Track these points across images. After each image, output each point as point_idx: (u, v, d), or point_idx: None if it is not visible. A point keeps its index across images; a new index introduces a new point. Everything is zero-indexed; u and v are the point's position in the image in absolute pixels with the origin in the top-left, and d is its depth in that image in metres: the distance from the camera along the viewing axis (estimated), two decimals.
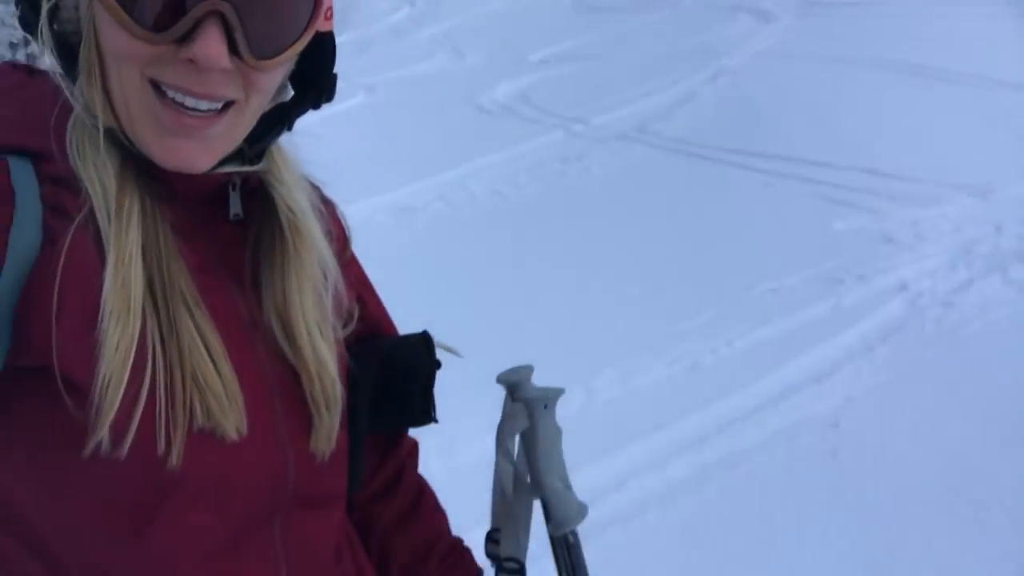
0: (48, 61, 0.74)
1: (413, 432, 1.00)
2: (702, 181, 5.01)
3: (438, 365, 0.93)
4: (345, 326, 0.85)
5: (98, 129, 0.70)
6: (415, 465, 1.01)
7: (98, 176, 0.70)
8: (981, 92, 5.69)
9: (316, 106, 0.80)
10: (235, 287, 0.78)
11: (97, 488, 0.67)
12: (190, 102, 0.68)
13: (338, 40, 0.81)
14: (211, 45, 0.65)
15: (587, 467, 2.39)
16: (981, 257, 3.76)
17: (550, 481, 0.87)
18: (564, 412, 0.90)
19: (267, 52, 0.68)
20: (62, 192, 0.70)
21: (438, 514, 1.00)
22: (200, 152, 0.71)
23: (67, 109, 0.72)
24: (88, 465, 0.65)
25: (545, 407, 0.88)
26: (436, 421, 0.92)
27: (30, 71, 0.77)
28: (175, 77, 0.67)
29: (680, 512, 2.42)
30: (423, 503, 0.99)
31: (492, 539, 0.95)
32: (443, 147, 5.75)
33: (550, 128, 6.02)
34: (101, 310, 0.66)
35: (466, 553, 0.97)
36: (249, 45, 0.67)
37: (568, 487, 0.89)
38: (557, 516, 0.87)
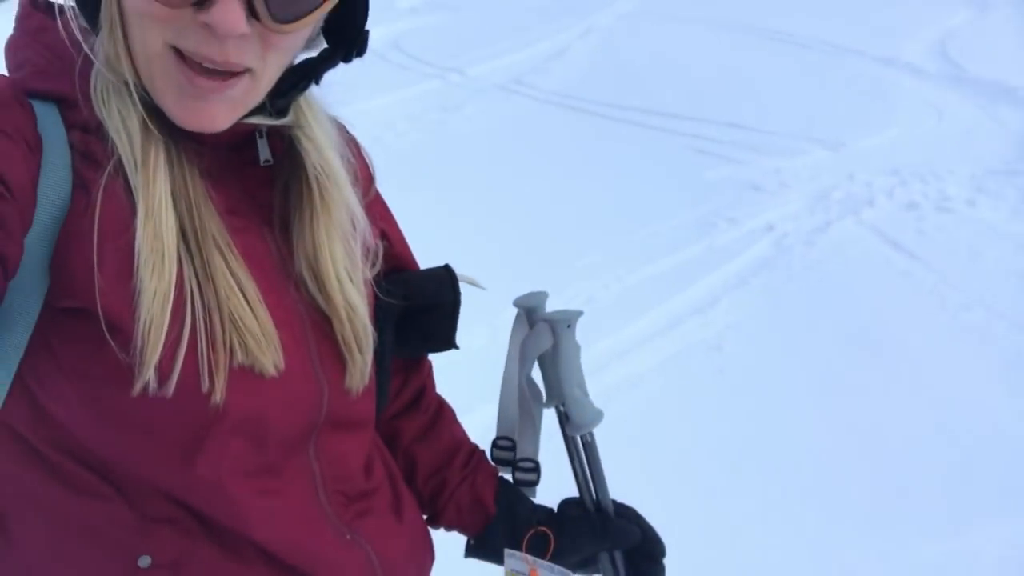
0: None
1: None
2: (581, 133, 5.14)
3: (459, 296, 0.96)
4: (372, 266, 0.87)
5: (121, 82, 0.70)
6: (433, 384, 1.06)
7: (124, 126, 0.70)
8: (827, 56, 6.13)
9: (347, 60, 0.79)
10: (264, 228, 0.79)
11: (146, 423, 0.70)
12: (208, 64, 0.67)
13: None
14: (228, 11, 0.63)
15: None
16: (836, 202, 4.10)
17: (571, 390, 0.95)
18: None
19: (287, 16, 0.67)
20: (90, 139, 0.70)
21: (456, 426, 1.06)
22: (218, 113, 0.71)
23: (90, 58, 0.71)
24: (136, 402, 0.67)
25: (568, 326, 0.94)
26: (458, 347, 0.98)
27: (49, 6, 0.75)
28: (194, 43, 0.66)
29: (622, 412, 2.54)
30: (443, 417, 1.05)
31: (498, 446, 1.01)
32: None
33: (426, 77, 5.97)
34: (136, 258, 0.67)
35: (484, 457, 1.04)
36: (269, 9, 0.65)
37: (586, 395, 0.97)
38: (578, 419, 0.96)
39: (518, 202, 4.16)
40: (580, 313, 0.98)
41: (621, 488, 1.03)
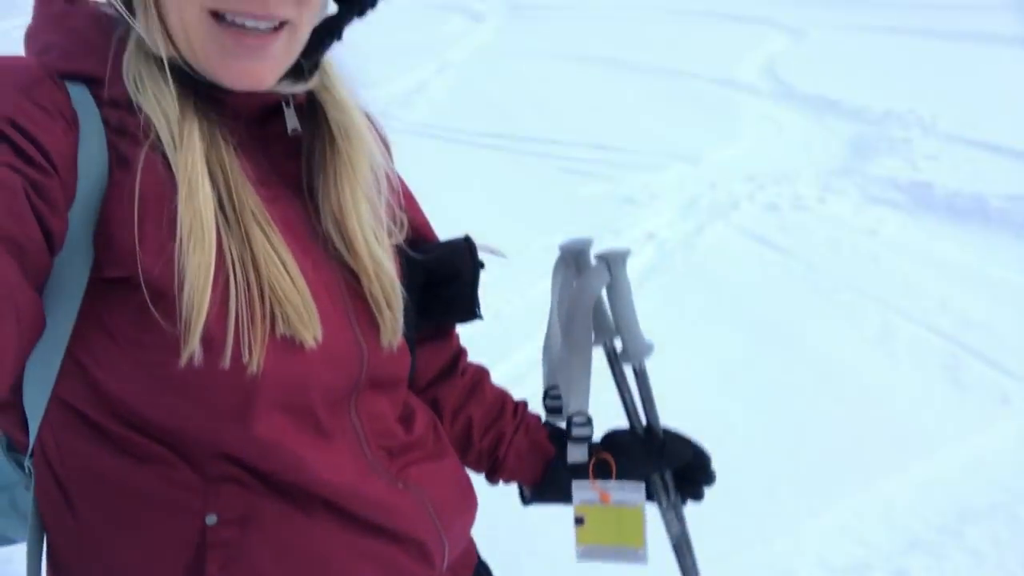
0: None
1: None
2: (454, 160, 5.25)
3: (482, 266, 0.99)
4: (400, 230, 0.90)
5: (161, 60, 0.72)
6: (465, 351, 1.09)
7: (159, 104, 0.72)
8: (670, 81, 6.60)
9: (361, 14, 0.84)
10: (294, 196, 0.82)
11: (197, 389, 0.71)
12: (250, 23, 0.71)
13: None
14: None
15: None
16: (705, 209, 4.41)
17: (632, 323, 1.01)
18: None
19: None
20: (123, 115, 0.72)
21: (498, 387, 1.09)
22: (264, 69, 0.75)
23: (119, 39, 0.74)
24: (186, 371, 0.69)
25: (623, 262, 1.01)
26: (481, 318, 1.00)
27: None
28: (234, 1, 0.70)
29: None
30: (483, 377, 1.08)
31: (550, 396, 1.05)
32: None
33: None
34: (178, 232, 0.69)
35: (527, 406, 1.08)
36: None
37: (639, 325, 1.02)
38: (637, 348, 1.01)
39: None
40: (629, 250, 1.04)
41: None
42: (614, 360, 1.06)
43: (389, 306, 0.83)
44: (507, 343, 3.08)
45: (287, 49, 0.75)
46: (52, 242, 0.65)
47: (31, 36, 0.78)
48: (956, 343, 3.05)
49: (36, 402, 0.73)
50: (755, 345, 3.17)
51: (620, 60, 7.06)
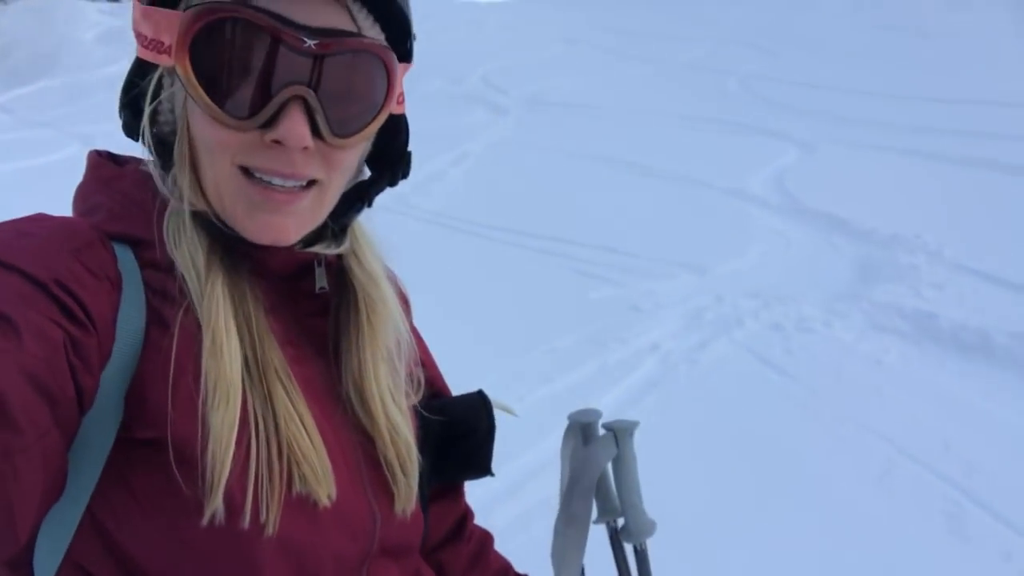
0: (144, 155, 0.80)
1: None
2: (466, 253, 5.31)
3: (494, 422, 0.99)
4: (416, 392, 0.91)
5: (194, 215, 0.76)
6: (472, 513, 1.08)
7: (192, 262, 0.75)
8: (682, 188, 6.71)
9: (393, 183, 0.88)
10: (319, 356, 0.84)
11: (213, 552, 0.71)
12: (277, 180, 0.74)
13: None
14: (295, 125, 0.71)
15: None
16: (709, 322, 4.43)
17: (633, 498, 1.01)
18: None
19: (345, 132, 0.75)
20: (163, 277, 0.75)
21: (498, 553, 1.09)
22: (289, 226, 0.77)
23: (164, 200, 0.78)
24: (205, 533, 0.70)
25: (630, 435, 1.02)
26: (493, 475, 1.00)
27: (114, 158, 0.83)
28: (263, 160, 0.74)
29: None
30: (487, 545, 1.07)
31: None
32: None
33: None
34: (203, 389, 0.71)
35: None
36: (329, 125, 0.74)
37: (642, 503, 1.03)
38: (639, 527, 1.01)
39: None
40: (637, 423, 1.04)
41: None
42: (616, 540, 1.05)
43: (404, 472, 0.84)
44: (506, 449, 3.05)
45: (314, 208, 0.77)
46: (83, 400, 0.66)
47: (81, 196, 0.81)
48: (959, 489, 3.01)
49: (48, 564, 0.72)
50: (752, 472, 3.14)
51: (633, 163, 7.20)
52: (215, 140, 0.73)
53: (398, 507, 0.83)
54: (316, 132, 0.72)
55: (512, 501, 2.89)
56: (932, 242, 5.40)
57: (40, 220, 0.74)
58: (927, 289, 4.79)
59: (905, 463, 3.19)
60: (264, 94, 0.71)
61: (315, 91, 0.71)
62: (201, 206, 0.76)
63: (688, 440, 3.33)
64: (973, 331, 4.22)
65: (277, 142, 0.72)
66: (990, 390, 3.76)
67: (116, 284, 0.72)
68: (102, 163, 0.82)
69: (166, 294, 0.74)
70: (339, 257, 0.85)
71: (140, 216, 0.77)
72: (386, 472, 0.83)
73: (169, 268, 0.75)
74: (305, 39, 0.70)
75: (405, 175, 0.88)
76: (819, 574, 2.63)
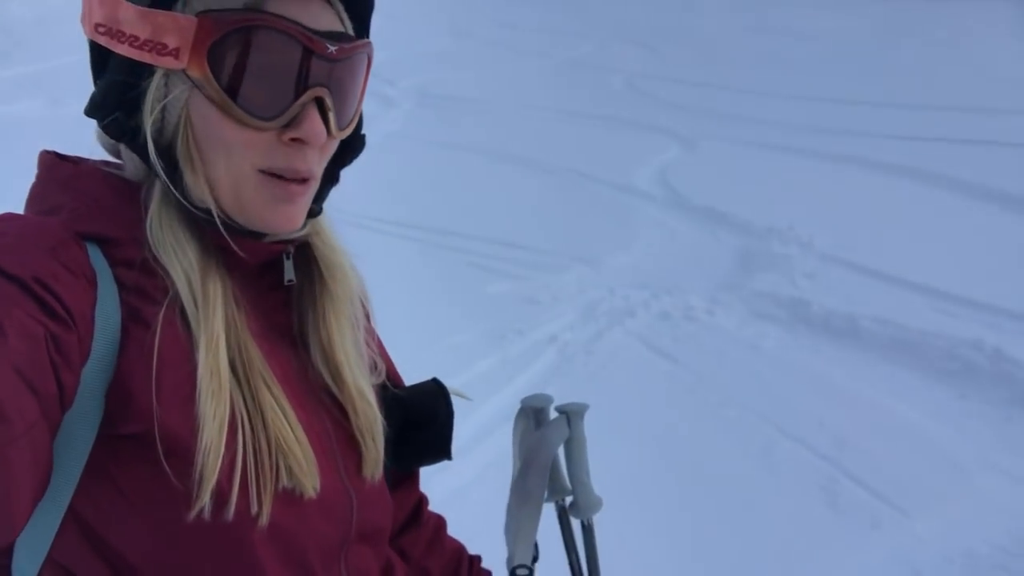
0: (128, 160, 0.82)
1: None
2: (359, 247, 5.20)
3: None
4: (375, 374, 0.95)
5: (184, 220, 0.78)
6: (426, 498, 1.12)
7: (182, 264, 0.77)
8: (571, 181, 6.88)
9: (355, 156, 0.92)
10: (288, 347, 0.87)
11: (202, 545, 0.74)
12: (290, 176, 0.79)
13: None
14: (315, 124, 0.77)
15: None
16: (603, 313, 4.60)
17: (585, 477, 1.08)
18: None
19: (344, 123, 0.82)
20: (138, 275, 0.76)
21: (455, 539, 1.13)
22: (300, 213, 0.83)
23: (136, 199, 0.79)
24: (194, 525, 0.72)
25: (581, 417, 1.08)
26: (451, 458, 1.05)
27: (65, 157, 0.83)
28: (283, 160, 0.78)
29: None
30: (441, 529, 1.12)
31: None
32: None
33: None
34: (197, 388, 0.73)
35: (479, 561, 1.13)
36: (337, 120, 0.80)
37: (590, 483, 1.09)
38: (588, 503, 1.08)
39: None
40: (588, 406, 1.11)
41: None
42: (564, 517, 1.12)
43: (373, 439, 0.88)
44: None
45: (311, 193, 0.83)
46: (64, 397, 0.67)
47: (38, 197, 0.81)
48: (833, 463, 3.28)
49: (28, 567, 0.73)
50: (647, 453, 3.31)
51: (522, 157, 7.31)
52: (234, 140, 0.75)
53: (367, 471, 0.87)
54: (326, 124, 0.78)
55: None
56: (804, 234, 5.76)
57: (9, 219, 0.73)
58: (800, 278, 5.12)
59: (784, 441, 3.44)
60: (288, 96, 0.75)
61: (330, 90, 0.77)
62: (209, 204, 0.77)
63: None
64: (842, 317, 4.56)
65: (295, 140, 0.77)
66: (858, 371, 4.08)
67: (92, 281, 0.73)
68: (57, 163, 0.82)
69: (142, 291, 0.75)
70: (300, 248, 0.88)
71: (106, 215, 0.77)
72: (359, 440, 0.87)
73: (144, 266, 0.76)
74: (328, 45, 0.75)
75: (358, 154, 0.92)
76: (709, 544, 2.82)
